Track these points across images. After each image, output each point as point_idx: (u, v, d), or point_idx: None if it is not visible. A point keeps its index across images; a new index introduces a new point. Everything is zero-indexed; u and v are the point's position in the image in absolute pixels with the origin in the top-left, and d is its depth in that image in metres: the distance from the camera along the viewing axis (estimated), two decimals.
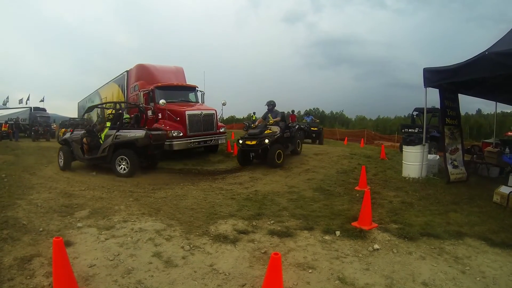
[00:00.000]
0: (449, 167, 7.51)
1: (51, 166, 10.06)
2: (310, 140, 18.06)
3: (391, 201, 5.87)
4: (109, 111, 11.61)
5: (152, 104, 12.26)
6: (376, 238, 4.14)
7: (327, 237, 4.17)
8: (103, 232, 4.24)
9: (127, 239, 4.04)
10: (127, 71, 15.36)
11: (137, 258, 3.51)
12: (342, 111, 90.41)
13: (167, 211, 5.25)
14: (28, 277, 3.06)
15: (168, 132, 10.68)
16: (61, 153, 9.67)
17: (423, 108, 8.64)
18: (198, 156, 12.23)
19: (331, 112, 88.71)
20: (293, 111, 22.48)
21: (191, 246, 3.85)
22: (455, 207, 5.52)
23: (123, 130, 9.02)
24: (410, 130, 12.41)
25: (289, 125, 11.50)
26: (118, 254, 3.59)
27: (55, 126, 27.70)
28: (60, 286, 2.63)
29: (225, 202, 5.86)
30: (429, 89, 7.43)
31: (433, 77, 7.11)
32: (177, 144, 10.80)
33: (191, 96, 13.40)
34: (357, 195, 6.27)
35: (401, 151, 9.82)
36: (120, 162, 8.61)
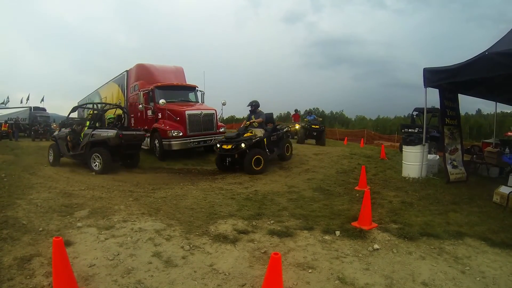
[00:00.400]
0: (449, 167, 7.51)
1: (50, 166, 10.05)
2: (314, 141, 17.31)
3: (391, 201, 5.87)
4: (90, 112, 11.94)
5: (152, 104, 12.26)
6: (376, 238, 4.14)
7: (327, 237, 4.17)
8: (103, 232, 4.24)
9: (127, 239, 4.04)
10: (127, 71, 15.35)
11: (137, 258, 3.51)
12: (342, 111, 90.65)
13: (167, 211, 5.24)
14: (28, 276, 3.06)
15: (168, 132, 10.70)
16: (50, 150, 10.46)
17: (423, 108, 8.64)
18: (198, 156, 12.23)
19: (331, 112, 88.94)
20: (296, 110, 21.99)
21: (191, 246, 3.85)
22: (455, 207, 5.52)
23: (99, 130, 9.58)
24: (410, 130, 12.40)
25: (277, 127, 10.59)
26: (118, 254, 3.59)
27: (55, 125, 27.69)
28: (60, 286, 2.62)
29: (225, 202, 5.86)
30: (429, 89, 7.43)
31: (433, 77, 7.11)
32: (176, 144, 10.80)
33: (191, 96, 13.40)
34: (357, 195, 6.27)
35: (401, 151, 9.81)
36: (95, 159, 9.13)
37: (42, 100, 36.40)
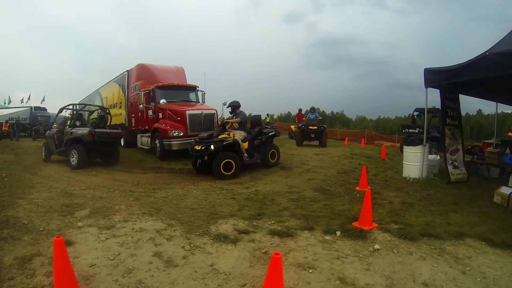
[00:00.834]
0: (450, 168, 7.50)
1: (51, 166, 10.09)
2: (317, 142, 16.07)
3: (391, 202, 5.86)
4: (70, 112, 12.49)
5: (152, 103, 12.27)
6: (377, 238, 4.14)
7: (327, 237, 4.17)
8: (103, 232, 4.24)
9: (128, 238, 4.04)
10: (127, 71, 15.37)
11: (137, 258, 3.51)
12: (343, 111, 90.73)
13: (168, 211, 5.25)
14: (29, 276, 3.06)
15: (169, 131, 10.71)
16: (43, 148, 11.67)
17: (423, 108, 8.63)
18: None
19: (332, 112, 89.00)
20: (300, 110, 21.88)
21: (192, 246, 3.85)
22: (456, 208, 5.52)
23: (76, 128, 10.48)
24: (410, 130, 12.37)
25: (264, 131, 9.82)
26: (119, 254, 3.59)
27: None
28: (60, 285, 2.63)
29: (225, 202, 5.86)
30: (430, 89, 7.42)
31: (434, 77, 7.10)
32: (177, 143, 10.80)
33: (192, 96, 13.41)
34: (358, 195, 6.27)
35: (402, 151, 9.82)
36: (72, 154, 9.82)
37: (43, 100, 36.52)
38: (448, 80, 6.88)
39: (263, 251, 3.75)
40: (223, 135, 8.65)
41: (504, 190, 5.73)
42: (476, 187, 7.06)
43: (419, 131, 11.39)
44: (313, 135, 15.65)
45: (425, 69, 7.25)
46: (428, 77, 7.20)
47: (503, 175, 8.18)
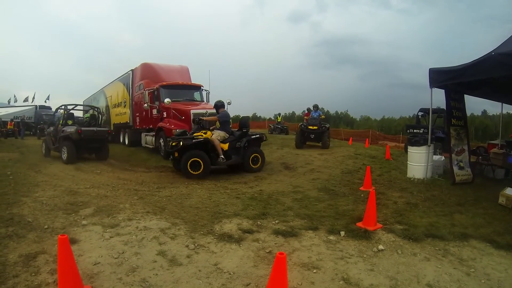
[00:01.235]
0: (455, 168, 7.46)
1: (56, 164, 10.15)
2: (320, 144, 14.67)
3: (395, 202, 5.85)
4: (62, 111, 13.03)
5: (157, 102, 12.31)
6: (381, 239, 4.13)
7: (331, 237, 4.17)
8: (107, 230, 4.26)
9: (132, 237, 4.05)
10: (132, 70, 15.42)
11: (141, 257, 3.52)
12: (347, 111, 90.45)
13: (172, 210, 5.26)
14: (33, 274, 3.08)
15: (173, 130, 10.73)
16: (43, 144, 12.83)
17: (428, 109, 8.61)
18: None
19: (336, 112, 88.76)
20: (308, 109, 21.66)
21: (196, 245, 3.86)
22: (460, 209, 5.49)
23: (67, 126, 11.42)
24: (415, 130, 12.34)
25: (248, 133, 9.40)
26: (123, 252, 3.60)
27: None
28: (65, 283, 2.64)
29: (229, 201, 5.86)
30: (435, 90, 7.39)
31: (439, 77, 7.07)
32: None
33: (196, 95, 13.44)
34: (362, 195, 6.25)
35: (406, 151, 9.77)
36: (63, 151, 10.74)
37: (48, 98, 36.67)
38: (453, 80, 6.85)
39: (267, 251, 3.75)
40: (198, 133, 8.56)
41: (509, 191, 5.70)
42: (481, 188, 7.02)
43: (423, 131, 11.37)
44: (313, 136, 14.24)
45: (430, 69, 7.22)
46: (433, 77, 7.17)
47: (508, 176, 8.14)
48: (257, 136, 9.54)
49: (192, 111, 11.21)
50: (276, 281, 2.53)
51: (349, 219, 4.79)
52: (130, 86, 15.41)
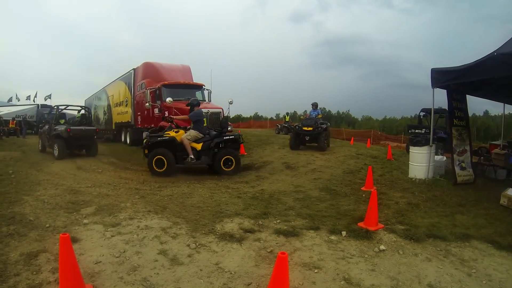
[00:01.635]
0: (457, 169, 7.44)
1: (57, 163, 10.17)
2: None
3: (397, 202, 5.84)
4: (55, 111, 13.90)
5: (158, 102, 12.32)
6: (382, 239, 4.13)
7: (333, 237, 4.16)
8: (109, 229, 4.26)
9: (133, 236, 4.05)
10: (134, 69, 15.46)
11: (142, 256, 3.52)
12: (348, 111, 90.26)
13: (173, 209, 5.26)
14: (34, 272, 3.08)
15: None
16: (40, 141, 13.69)
17: (430, 109, 8.58)
18: None
19: (338, 112, 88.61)
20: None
21: (197, 244, 3.86)
22: (462, 209, 5.48)
23: (59, 125, 12.23)
24: (417, 130, 12.31)
25: (223, 135, 9.03)
26: (124, 251, 3.60)
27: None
28: (66, 282, 2.64)
29: (231, 200, 5.86)
30: (437, 90, 7.37)
31: (441, 77, 7.06)
32: None
33: (198, 94, 13.46)
34: (364, 195, 6.25)
35: (408, 151, 9.76)
36: (55, 148, 11.49)
37: (49, 97, 36.66)
38: (455, 81, 6.83)
39: (268, 251, 3.75)
40: (171, 133, 8.55)
41: (511, 192, 5.69)
42: (483, 189, 7.01)
43: (425, 131, 11.35)
44: (307, 138, 12.72)
45: (432, 69, 7.20)
46: (435, 77, 7.15)
47: (510, 177, 8.12)
48: (231, 137, 9.13)
49: None
50: (278, 280, 2.53)
51: (351, 219, 4.78)
52: (132, 85, 15.44)
